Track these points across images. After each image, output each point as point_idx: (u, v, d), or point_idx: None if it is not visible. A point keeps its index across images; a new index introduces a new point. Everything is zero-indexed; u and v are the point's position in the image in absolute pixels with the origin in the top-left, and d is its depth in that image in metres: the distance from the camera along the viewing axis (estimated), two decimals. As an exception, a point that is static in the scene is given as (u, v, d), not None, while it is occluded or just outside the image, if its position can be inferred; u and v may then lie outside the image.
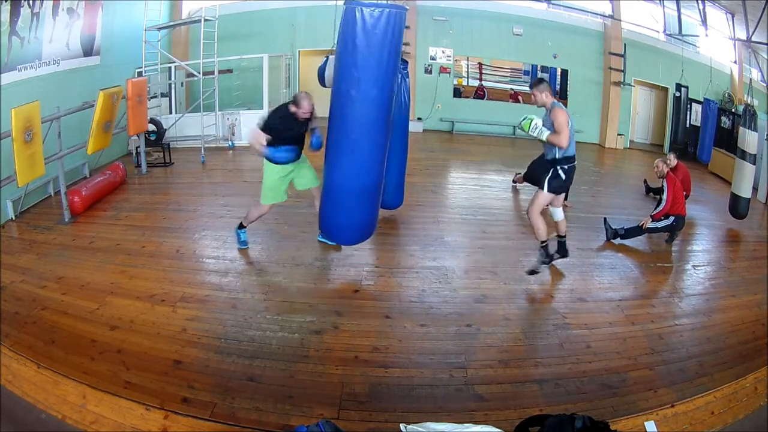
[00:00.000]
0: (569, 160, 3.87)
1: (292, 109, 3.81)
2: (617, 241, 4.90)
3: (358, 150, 3.39)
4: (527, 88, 10.66)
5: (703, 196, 6.96)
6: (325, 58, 6.75)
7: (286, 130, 3.83)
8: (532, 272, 4.02)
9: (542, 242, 4.02)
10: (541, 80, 3.91)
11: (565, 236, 4.23)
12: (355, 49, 3.10)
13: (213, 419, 2.41)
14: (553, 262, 4.30)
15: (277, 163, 3.94)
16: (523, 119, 3.83)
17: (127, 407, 2.38)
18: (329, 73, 6.70)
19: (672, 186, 4.93)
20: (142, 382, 2.68)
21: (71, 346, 2.98)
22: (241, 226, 4.38)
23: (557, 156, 3.84)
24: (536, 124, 3.76)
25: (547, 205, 4.09)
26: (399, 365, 2.92)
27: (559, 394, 2.72)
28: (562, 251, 4.21)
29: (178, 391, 2.62)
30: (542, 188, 3.95)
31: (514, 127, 10.34)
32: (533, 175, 5.60)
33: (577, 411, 2.29)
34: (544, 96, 3.81)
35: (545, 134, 3.74)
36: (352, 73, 3.17)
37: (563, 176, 3.88)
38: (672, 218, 4.91)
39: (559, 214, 4.23)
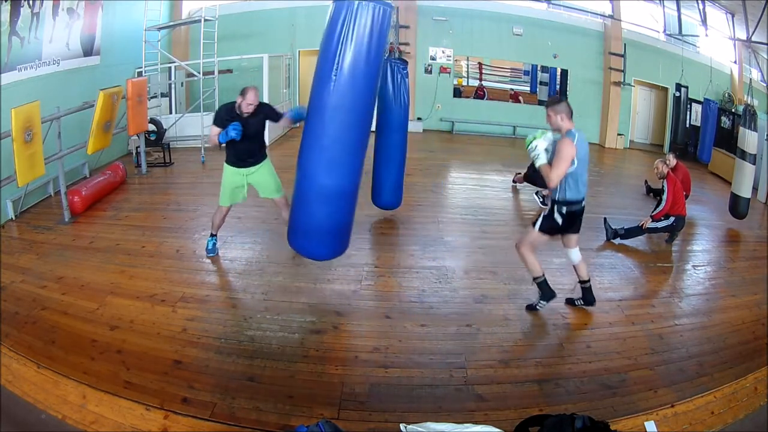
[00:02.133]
0: (570, 203, 3.32)
1: (238, 101, 3.83)
2: (617, 241, 4.90)
3: (331, 149, 3.17)
4: (527, 88, 10.74)
5: (703, 196, 6.96)
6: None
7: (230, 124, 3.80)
8: (530, 308, 3.58)
9: (535, 278, 3.51)
10: (560, 99, 3.34)
11: (588, 281, 3.61)
12: (331, 44, 3.00)
13: (213, 419, 2.41)
14: (555, 264, 4.30)
15: (231, 138, 3.77)
16: (531, 135, 3.33)
17: (127, 407, 2.38)
18: None
19: (672, 186, 4.93)
20: (142, 382, 2.68)
21: (71, 346, 2.98)
22: (211, 234, 4.30)
23: (556, 197, 3.34)
24: (536, 145, 3.25)
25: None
26: (399, 365, 2.92)
27: (559, 394, 2.72)
28: (588, 298, 3.62)
29: (178, 391, 2.62)
30: (533, 225, 3.50)
31: (514, 127, 10.36)
32: (534, 176, 5.60)
33: (577, 411, 2.29)
34: (560, 119, 3.24)
35: (540, 161, 3.25)
36: (328, 69, 3.04)
37: (559, 220, 3.35)
38: (672, 218, 4.91)
39: (574, 255, 3.61)
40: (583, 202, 3.43)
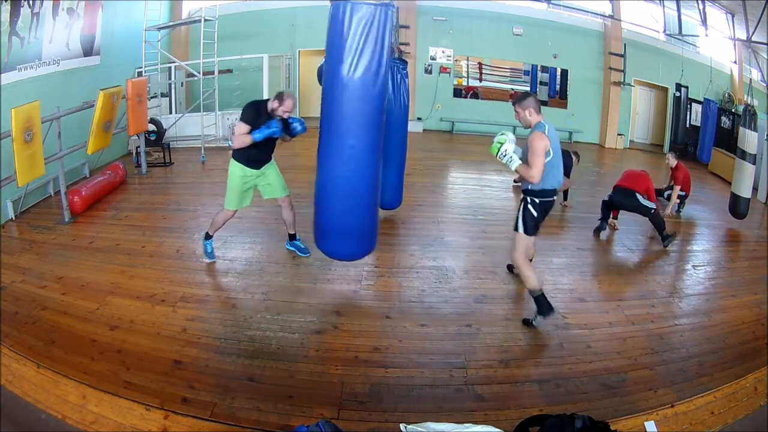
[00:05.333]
0: (545, 194, 3.25)
1: (273, 105, 3.68)
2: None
3: (350, 152, 3.19)
4: (527, 89, 10.73)
5: (703, 196, 6.96)
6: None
7: (261, 124, 3.66)
8: (526, 322, 3.35)
9: (532, 291, 3.31)
10: (526, 94, 3.29)
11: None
12: (343, 47, 3.00)
13: (213, 419, 2.41)
14: (555, 264, 4.31)
15: (270, 135, 3.66)
16: (493, 141, 3.26)
17: (127, 407, 2.38)
18: None
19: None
20: (142, 382, 2.68)
21: (71, 346, 2.98)
22: (207, 236, 4.09)
23: (530, 186, 3.25)
24: (506, 150, 3.20)
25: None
26: (399, 365, 2.92)
27: (559, 394, 2.72)
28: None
29: (178, 391, 2.62)
30: (516, 229, 3.37)
31: (514, 127, 10.34)
32: None
33: (577, 411, 2.29)
34: (528, 114, 3.21)
35: (515, 164, 3.18)
36: (340, 72, 3.06)
37: (535, 212, 3.28)
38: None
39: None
40: (555, 195, 3.37)
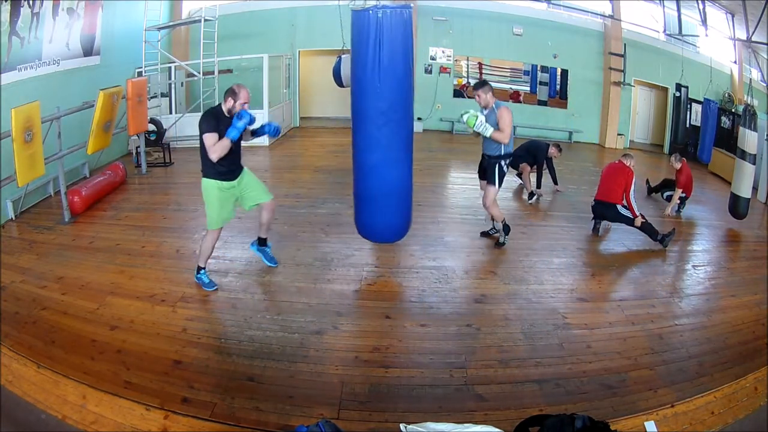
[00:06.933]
0: (510, 156, 4.40)
1: (228, 105, 3.40)
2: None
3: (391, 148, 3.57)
4: (527, 88, 10.74)
5: (703, 196, 6.96)
6: (337, 58, 6.77)
7: (223, 129, 3.37)
8: (499, 245, 4.58)
9: (503, 222, 4.58)
10: (483, 82, 4.36)
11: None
12: (368, 51, 3.26)
13: (213, 419, 2.41)
14: (555, 264, 4.33)
15: (239, 132, 3.37)
16: (467, 114, 4.09)
17: (127, 407, 2.38)
18: (346, 72, 6.72)
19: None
20: (142, 382, 2.68)
21: (71, 346, 2.98)
22: (199, 269, 3.70)
23: (502, 152, 4.30)
24: (482, 120, 4.08)
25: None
26: (399, 365, 2.92)
27: (559, 394, 2.72)
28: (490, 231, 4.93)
29: (178, 391, 2.62)
30: (493, 184, 4.41)
31: (514, 126, 10.33)
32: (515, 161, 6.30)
33: (577, 411, 2.29)
34: (489, 96, 4.20)
35: (490, 131, 4.10)
36: (374, 76, 3.32)
37: (506, 170, 4.41)
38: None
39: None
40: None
